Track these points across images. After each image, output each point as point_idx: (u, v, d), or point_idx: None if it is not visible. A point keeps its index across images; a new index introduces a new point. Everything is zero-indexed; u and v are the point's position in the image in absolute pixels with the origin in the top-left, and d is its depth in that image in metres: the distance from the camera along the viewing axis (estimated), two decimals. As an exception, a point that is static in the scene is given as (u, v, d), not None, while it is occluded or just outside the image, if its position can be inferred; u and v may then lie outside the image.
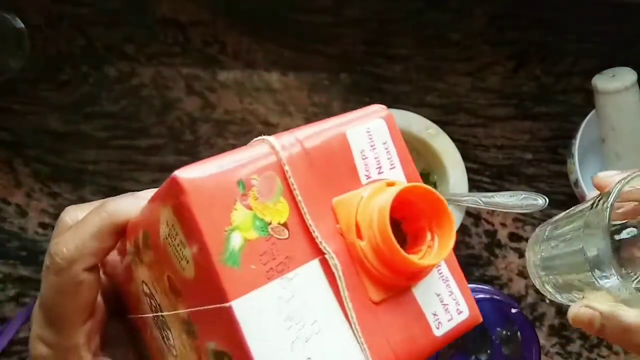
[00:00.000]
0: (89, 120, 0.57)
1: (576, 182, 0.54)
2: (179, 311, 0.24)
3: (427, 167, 0.55)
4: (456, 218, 0.51)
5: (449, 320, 0.25)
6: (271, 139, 0.25)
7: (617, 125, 0.52)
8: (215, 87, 0.58)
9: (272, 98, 0.58)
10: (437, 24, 0.59)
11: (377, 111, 0.27)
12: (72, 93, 0.57)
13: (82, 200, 0.56)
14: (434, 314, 0.25)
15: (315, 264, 0.23)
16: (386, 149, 0.26)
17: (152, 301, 0.27)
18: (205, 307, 0.22)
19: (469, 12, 0.59)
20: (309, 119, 0.58)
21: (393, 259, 0.23)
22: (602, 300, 0.27)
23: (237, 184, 0.22)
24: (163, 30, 0.57)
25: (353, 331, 0.23)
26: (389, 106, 0.55)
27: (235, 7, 0.58)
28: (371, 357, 0.23)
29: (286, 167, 0.23)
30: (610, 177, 0.31)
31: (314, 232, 0.23)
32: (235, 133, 0.57)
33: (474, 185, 0.58)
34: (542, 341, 0.57)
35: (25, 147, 0.56)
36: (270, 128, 0.58)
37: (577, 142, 0.53)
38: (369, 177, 0.25)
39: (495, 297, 0.41)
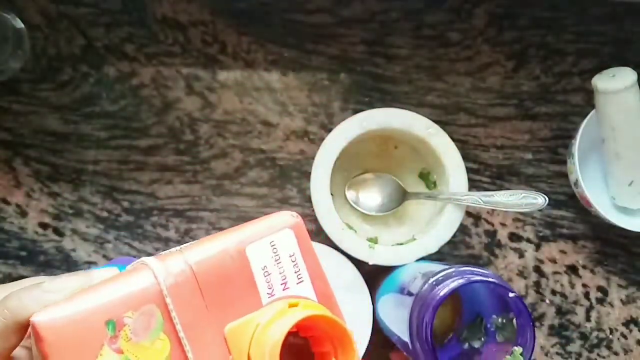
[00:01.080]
0: (89, 120, 0.57)
1: (576, 182, 0.54)
2: None
3: (427, 167, 0.55)
4: (456, 217, 0.51)
5: None
6: (154, 264, 0.22)
7: (617, 125, 0.52)
8: (215, 87, 0.58)
9: (272, 98, 0.58)
10: (437, 24, 0.59)
11: (285, 220, 0.25)
12: (72, 93, 0.57)
13: (82, 200, 0.56)
14: None
15: None
16: (293, 261, 0.24)
17: None
18: None
19: (469, 12, 0.59)
20: (309, 119, 0.58)
21: None
22: None
23: (106, 324, 0.21)
24: (163, 30, 0.57)
25: None
26: (389, 106, 0.55)
27: (235, 7, 0.58)
28: None
29: (168, 300, 0.21)
30: None
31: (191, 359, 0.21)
32: (235, 133, 0.57)
33: (474, 185, 0.58)
34: (542, 341, 0.57)
35: (25, 147, 0.56)
36: (270, 128, 0.58)
37: (577, 142, 0.53)
38: (272, 295, 0.24)
39: (491, 279, 0.41)
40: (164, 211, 0.57)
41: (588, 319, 0.57)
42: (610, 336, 0.57)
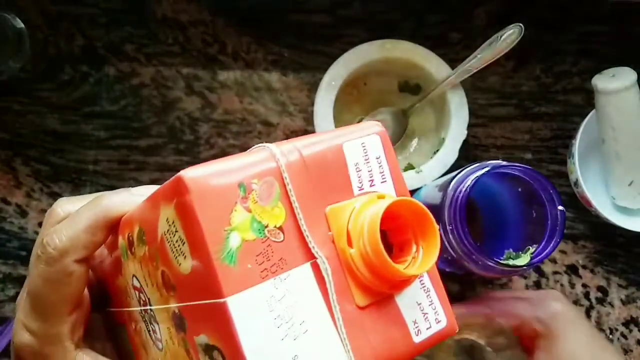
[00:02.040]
0: (89, 120, 0.57)
1: (576, 182, 0.54)
2: (170, 305, 0.25)
3: (402, 78, 0.57)
4: (461, 102, 0.53)
5: (427, 329, 0.27)
6: (272, 146, 0.25)
7: (617, 125, 0.52)
8: (215, 87, 0.58)
9: (272, 98, 0.58)
10: (437, 24, 0.59)
11: (372, 127, 0.28)
12: (72, 93, 0.57)
13: (82, 200, 0.56)
14: (414, 322, 0.26)
15: (307, 268, 0.24)
16: (379, 163, 0.27)
17: (141, 295, 0.28)
18: (199, 302, 0.23)
19: (469, 12, 0.59)
20: (309, 119, 0.58)
21: (380, 267, 0.24)
22: None
23: (239, 186, 0.23)
24: (163, 30, 0.57)
25: (338, 333, 0.24)
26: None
27: (235, 7, 0.58)
28: (354, 358, 0.24)
29: (285, 174, 0.24)
30: None
31: (307, 237, 0.24)
32: (235, 133, 0.57)
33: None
34: (542, 341, 0.57)
35: (25, 147, 0.56)
36: (270, 128, 0.58)
37: (577, 142, 0.53)
38: (362, 189, 0.26)
39: (523, 167, 0.41)
40: (164, 211, 0.57)
41: (588, 319, 0.57)
42: (610, 336, 0.57)
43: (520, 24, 0.49)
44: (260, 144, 0.26)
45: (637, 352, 0.57)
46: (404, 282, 0.25)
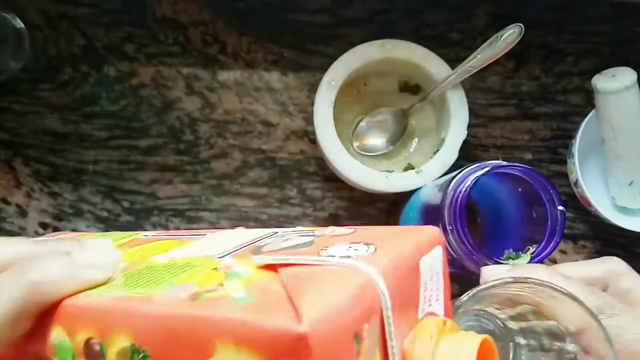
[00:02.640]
0: (89, 120, 0.57)
1: (576, 182, 0.54)
2: None
3: (402, 78, 0.57)
4: (461, 101, 0.53)
5: None
6: (377, 277, 0.19)
7: (617, 125, 0.52)
8: (215, 87, 0.58)
9: (272, 98, 0.58)
10: (437, 24, 0.59)
11: (437, 235, 0.23)
12: (72, 93, 0.57)
13: (82, 200, 0.56)
14: None
15: None
16: (438, 279, 0.23)
17: None
18: None
19: (469, 12, 0.59)
20: (309, 119, 0.58)
21: None
22: None
23: (354, 338, 0.17)
24: (163, 30, 0.57)
25: None
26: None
27: (235, 7, 0.58)
28: None
29: (388, 313, 0.18)
30: (493, 274, 0.28)
31: None
32: (235, 133, 0.57)
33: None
34: (542, 341, 0.57)
35: (25, 147, 0.56)
36: (270, 128, 0.58)
37: (577, 142, 0.53)
38: (424, 311, 0.22)
39: (523, 167, 0.40)
40: (164, 211, 0.57)
41: (588, 319, 0.57)
42: (610, 336, 0.57)
43: (520, 24, 0.49)
44: (356, 259, 0.19)
45: (637, 352, 0.57)
46: None
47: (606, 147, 0.54)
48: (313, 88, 0.57)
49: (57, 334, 0.20)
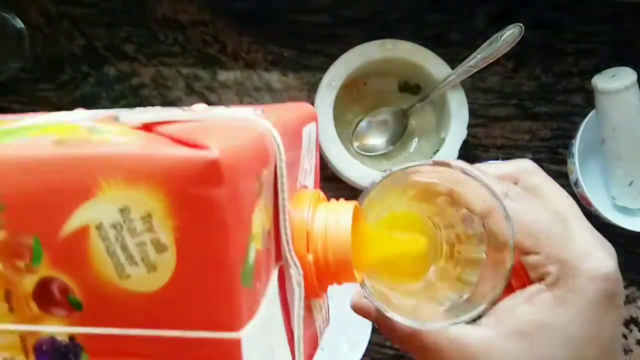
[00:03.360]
0: (89, 120, 0.57)
1: (576, 182, 0.54)
2: (47, 329, 0.17)
3: (402, 77, 0.57)
4: (461, 99, 0.53)
5: (323, 329, 0.25)
6: (269, 124, 0.19)
7: (617, 125, 0.52)
8: (215, 87, 0.58)
9: (272, 98, 0.58)
10: (437, 24, 0.59)
11: (311, 110, 0.24)
12: (72, 93, 0.57)
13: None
14: (319, 326, 0.25)
15: (275, 276, 0.19)
16: (312, 155, 0.24)
17: None
18: (167, 334, 0.16)
19: (469, 12, 0.59)
20: (309, 119, 0.58)
21: (339, 276, 0.21)
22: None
23: (257, 179, 0.17)
24: (163, 30, 0.57)
25: (295, 351, 0.20)
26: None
27: (235, 7, 0.58)
28: None
29: (282, 166, 0.19)
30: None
31: (288, 243, 0.19)
32: (235, 133, 0.57)
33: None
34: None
35: (25, 147, 0.56)
36: (270, 128, 0.58)
37: (577, 142, 0.53)
38: (300, 183, 0.22)
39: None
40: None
41: (588, 319, 0.57)
42: (610, 336, 0.57)
43: (520, 24, 0.49)
44: (248, 112, 0.20)
45: (637, 352, 0.57)
46: (326, 289, 0.23)
47: (606, 147, 0.54)
48: (313, 88, 0.57)
49: None
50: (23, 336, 0.17)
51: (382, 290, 0.25)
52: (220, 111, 0.19)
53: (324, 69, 0.53)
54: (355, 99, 0.57)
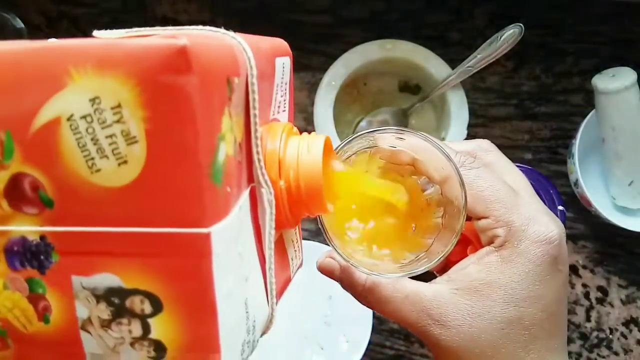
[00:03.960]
0: (89, 120, 0.57)
1: (576, 182, 0.54)
2: (17, 228, 0.17)
3: (402, 78, 0.57)
4: (461, 101, 0.53)
5: (296, 266, 0.26)
6: (239, 37, 0.19)
7: (617, 125, 0.52)
8: (215, 87, 0.58)
9: (272, 98, 0.58)
10: (437, 24, 0.59)
11: (286, 45, 0.24)
12: (72, 93, 0.57)
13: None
14: (292, 259, 0.25)
15: (246, 194, 0.19)
16: (286, 90, 0.24)
17: None
18: (139, 230, 0.16)
19: (469, 12, 0.59)
20: (309, 119, 0.58)
21: (310, 202, 0.21)
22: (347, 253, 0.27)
23: (227, 82, 0.17)
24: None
25: (265, 273, 0.21)
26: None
27: (235, 7, 0.58)
28: (275, 297, 0.21)
29: (253, 80, 0.19)
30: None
31: (259, 160, 0.19)
32: (235, 133, 0.57)
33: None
34: (542, 341, 0.57)
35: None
36: (270, 128, 0.58)
37: (577, 142, 0.53)
38: (273, 114, 0.23)
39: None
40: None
41: (588, 319, 0.57)
42: (610, 336, 0.57)
43: (520, 24, 0.49)
44: (219, 29, 0.19)
45: (637, 352, 0.57)
46: (298, 220, 0.23)
47: (606, 147, 0.54)
48: (313, 88, 0.57)
49: None
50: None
51: (348, 252, 0.27)
52: (194, 27, 0.19)
53: (324, 69, 0.53)
54: (355, 99, 0.57)
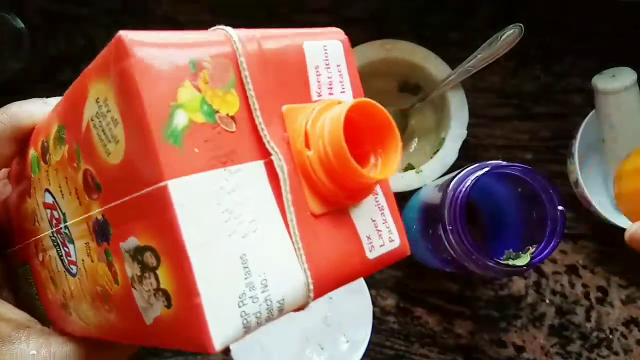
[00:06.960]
0: (89, 120, 0.57)
1: (576, 182, 0.54)
2: (93, 213, 0.22)
3: (402, 77, 0.57)
4: (461, 101, 0.53)
5: (381, 246, 0.25)
6: (229, 29, 0.22)
7: (617, 125, 0.52)
8: (215, 87, 0.58)
9: (272, 98, 0.58)
10: (437, 24, 0.59)
11: (335, 33, 0.26)
12: (72, 93, 0.57)
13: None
14: (368, 237, 0.25)
15: (259, 165, 0.22)
16: (339, 71, 0.25)
17: (54, 213, 0.25)
18: (134, 196, 0.20)
19: (469, 12, 0.59)
20: (309, 119, 0.58)
21: (341, 170, 0.22)
22: None
23: (189, 62, 0.20)
24: (163, 30, 0.57)
25: (291, 236, 0.22)
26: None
27: (235, 7, 0.58)
28: (306, 264, 0.22)
29: (241, 59, 0.22)
30: None
31: (262, 130, 0.22)
32: (235, 133, 0.57)
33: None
34: (542, 341, 0.57)
35: (25, 147, 0.56)
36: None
37: (577, 142, 0.53)
38: (320, 95, 0.24)
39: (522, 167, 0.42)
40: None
41: (588, 319, 0.57)
42: (610, 336, 0.57)
43: (520, 24, 0.49)
44: (218, 27, 0.23)
45: (637, 352, 0.57)
46: (361, 192, 0.24)
47: (606, 147, 0.54)
48: (313, 88, 0.57)
49: (31, 152, 0.26)
50: (87, 222, 0.23)
51: None
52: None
53: (324, 69, 0.53)
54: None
